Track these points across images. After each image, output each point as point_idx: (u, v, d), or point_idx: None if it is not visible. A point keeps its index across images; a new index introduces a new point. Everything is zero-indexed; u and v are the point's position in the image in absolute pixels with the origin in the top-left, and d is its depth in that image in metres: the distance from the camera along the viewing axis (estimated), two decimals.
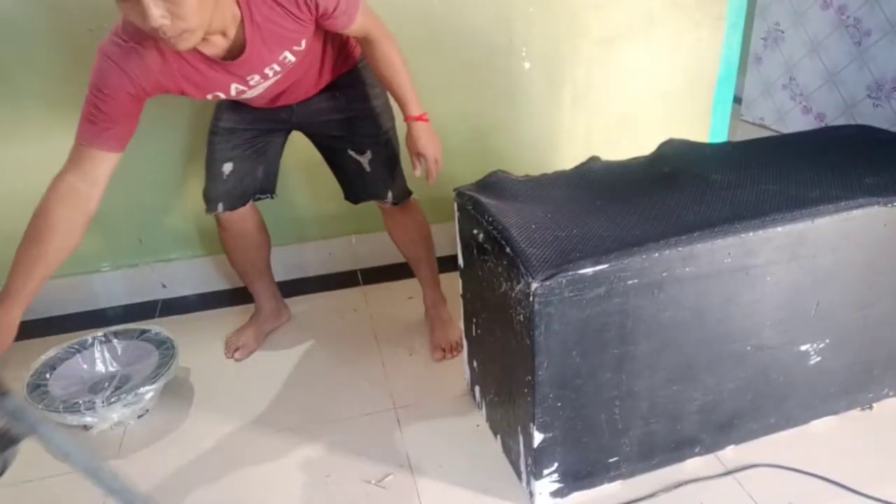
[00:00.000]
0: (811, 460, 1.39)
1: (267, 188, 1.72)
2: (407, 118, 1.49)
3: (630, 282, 1.11)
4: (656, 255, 1.11)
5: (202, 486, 1.42)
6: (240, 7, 1.19)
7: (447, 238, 1.91)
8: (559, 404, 1.19)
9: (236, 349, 1.82)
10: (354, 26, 1.35)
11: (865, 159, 1.42)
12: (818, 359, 1.38)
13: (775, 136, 1.75)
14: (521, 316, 1.14)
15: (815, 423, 1.48)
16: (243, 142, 1.59)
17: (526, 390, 1.20)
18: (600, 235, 1.14)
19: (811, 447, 1.43)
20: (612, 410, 1.25)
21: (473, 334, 1.49)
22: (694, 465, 1.40)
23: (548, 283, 1.07)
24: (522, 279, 1.09)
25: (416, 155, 1.52)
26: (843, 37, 2.48)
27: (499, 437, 1.46)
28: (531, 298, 1.07)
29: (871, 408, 1.53)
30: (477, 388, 1.56)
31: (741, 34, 2.35)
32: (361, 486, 1.40)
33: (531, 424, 1.21)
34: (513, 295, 1.15)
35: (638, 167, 1.47)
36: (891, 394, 1.54)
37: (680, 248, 1.12)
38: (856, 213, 1.22)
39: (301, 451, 1.49)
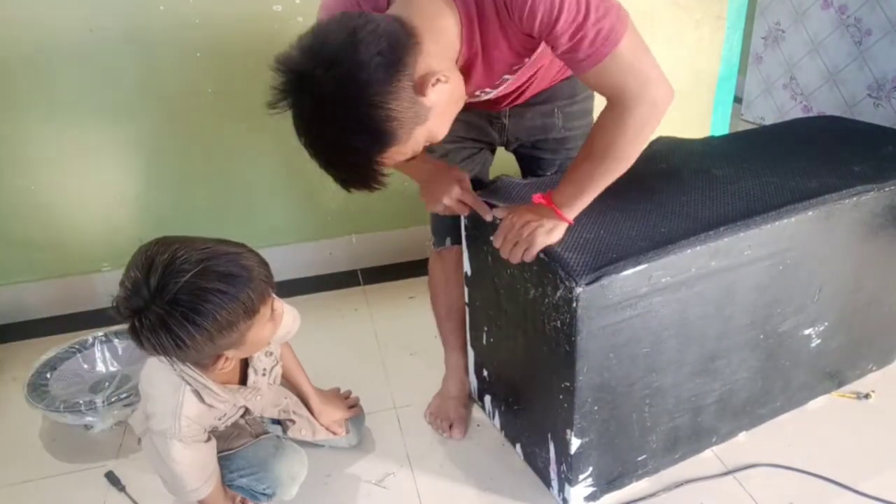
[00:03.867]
0: (811, 460, 1.39)
1: None
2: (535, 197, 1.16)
3: (664, 280, 1.12)
4: (689, 251, 1.12)
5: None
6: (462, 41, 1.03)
7: None
8: (596, 408, 1.19)
9: (451, 425, 1.53)
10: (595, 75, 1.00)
11: (845, 149, 1.49)
12: (818, 341, 1.44)
13: (754, 129, 1.78)
14: (558, 322, 1.12)
15: (811, 403, 1.55)
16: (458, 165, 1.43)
17: (561, 397, 1.19)
18: (629, 236, 1.14)
19: (811, 446, 1.43)
20: (643, 409, 1.26)
21: (484, 343, 1.47)
22: (694, 465, 1.40)
23: (591, 287, 1.05)
24: (563, 284, 1.07)
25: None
26: (843, 36, 2.48)
27: (518, 445, 1.45)
28: (574, 304, 1.06)
29: (867, 397, 1.56)
30: (487, 398, 1.54)
31: (741, 34, 2.35)
32: (361, 486, 1.40)
33: (568, 431, 1.20)
34: (547, 301, 1.14)
35: (636, 164, 1.47)
36: (873, 368, 1.63)
37: (710, 244, 1.14)
38: (855, 199, 1.28)
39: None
